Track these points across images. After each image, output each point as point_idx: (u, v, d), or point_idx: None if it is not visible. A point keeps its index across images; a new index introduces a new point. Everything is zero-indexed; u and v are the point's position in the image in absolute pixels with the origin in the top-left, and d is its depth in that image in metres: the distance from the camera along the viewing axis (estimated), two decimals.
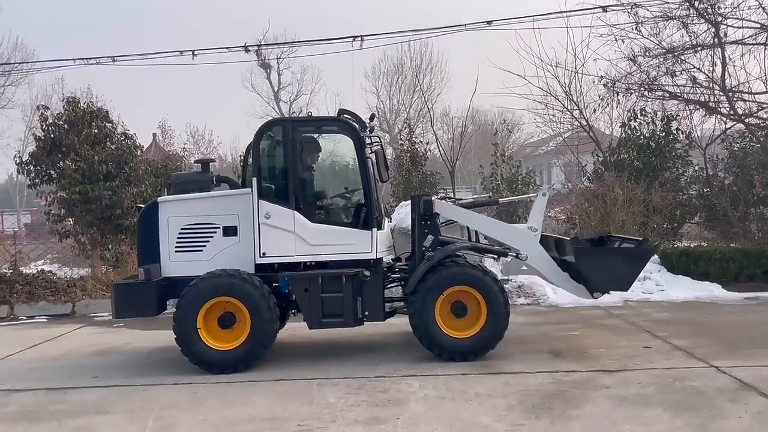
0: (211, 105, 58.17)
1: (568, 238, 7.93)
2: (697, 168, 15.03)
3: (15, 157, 13.60)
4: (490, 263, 9.99)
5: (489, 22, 15.79)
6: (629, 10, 14.17)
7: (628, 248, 7.57)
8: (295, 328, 8.26)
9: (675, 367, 6.79)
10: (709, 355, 7.17)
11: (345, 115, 7.58)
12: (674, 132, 14.80)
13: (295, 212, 7.21)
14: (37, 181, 13.11)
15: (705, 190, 14.88)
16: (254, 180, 7.26)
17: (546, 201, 7.83)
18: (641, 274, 11.56)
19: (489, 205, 8.00)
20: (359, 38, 16.30)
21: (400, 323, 7.83)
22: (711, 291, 11.08)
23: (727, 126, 14.76)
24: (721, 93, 14.04)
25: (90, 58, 17.25)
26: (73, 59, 17.43)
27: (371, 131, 7.58)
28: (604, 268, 7.33)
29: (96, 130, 13.27)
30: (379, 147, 7.64)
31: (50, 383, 6.97)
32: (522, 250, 7.61)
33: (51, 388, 6.80)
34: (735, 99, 14.11)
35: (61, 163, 12.93)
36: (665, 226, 14.27)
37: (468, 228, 8.30)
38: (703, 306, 10.37)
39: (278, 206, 7.21)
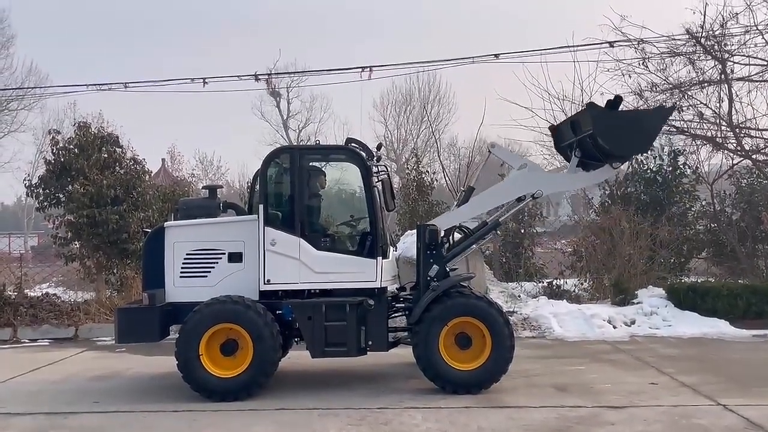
0: (221, 132, 58.74)
1: (583, 109, 7.64)
2: (704, 203, 15.00)
3: (25, 180, 13.72)
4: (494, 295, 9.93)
5: (497, 55, 15.95)
6: (636, 46, 14.32)
7: (645, 109, 7.56)
8: (298, 357, 8.20)
9: (682, 404, 6.69)
10: (716, 392, 7.07)
11: (352, 144, 7.65)
12: (681, 167, 14.82)
13: (301, 239, 7.22)
14: (45, 204, 13.20)
15: (712, 225, 14.83)
16: (261, 207, 7.28)
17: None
18: (648, 309, 11.61)
19: (492, 229, 7.87)
20: (368, 69, 16.48)
21: (404, 354, 7.76)
22: (719, 327, 10.96)
23: (735, 162, 14.77)
24: (728, 129, 14.09)
25: (102, 84, 17.49)
26: (85, 85, 17.71)
27: (378, 160, 7.64)
28: (623, 131, 7.23)
29: (105, 155, 13.41)
30: (385, 176, 7.68)
31: (51, 407, 6.93)
32: (532, 190, 7.56)
33: (51, 413, 6.75)
34: (742, 135, 14.15)
35: (70, 186, 13.03)
36: (672, 260, 14.19)
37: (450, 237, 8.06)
38: (711, 343, 10.25)
39: (284, 233, 7.22)
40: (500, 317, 7.15)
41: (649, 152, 14.91)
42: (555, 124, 8.39)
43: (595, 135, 7.26)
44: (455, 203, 8.20)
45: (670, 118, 14.32)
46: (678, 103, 14.01)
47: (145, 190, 13.61)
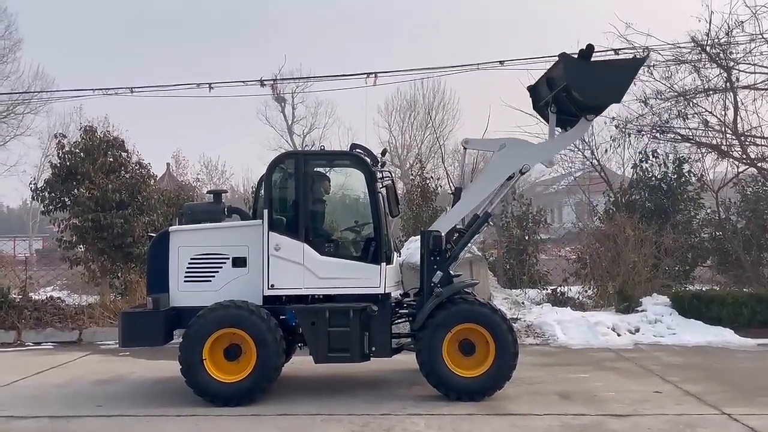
0: (226, 136, 58.89)
1: (557, 61, 7.57)
2: (709, 211, 14.96)
3: (30, 183, 13.80)
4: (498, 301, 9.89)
5: (501, 62, 15.96)
6: (641, 54, 14.30)
7: (618, 58, 7.51)
8: (301, 362, 8.19)
9: (686, 413, 6.66)
10: (721, 401, 7.03)
11: (357, 150, 7.66)
12: (686, 174, 14.79)
13: (305, 245, 7.22)
14: (51, 207, 13.25)
15: (717, 233, 14.78)
16: (265, 212, 7.30)
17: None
18: (652, 317, 11.58)
19: (485, 221, 7.77)
20: (373, 75, 16.51)
21: (407, 360, 7.75)
22: (723, 336, 10.91)
23: (740, 170, 14.73)
24: (733, 137, 14.06)
25: (108, 89, 17.54)
26: (92, 89, 17.74)
27: (383, 166, 7.64)
28: (595, 81, 7.18)
29: (111, 159, 13.47)
30: (390, 182, 7.68)
31: (54, 411, 6.94)
32: (518, 167, 7.51)
33: (54, 416, 6.77)
34: (747, 143, 14.11)
35: (76, 190, 13.08)
36: (677, 268, 14.15)
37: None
38: (715, 351, 10.20)
39: (288, 238, 7.23)
40: (504, 324, 7.14)
41: (653, 159, 14.94)
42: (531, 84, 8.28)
43: (569, 87, 7.20)
44: (449, 206, 8.14)
45: (676, 124, 14.40)
46: (683, 117, 13.94)
47: (150, 194, 13.66)
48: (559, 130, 7.76)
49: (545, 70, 8.00)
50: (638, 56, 7.40)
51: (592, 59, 7.47)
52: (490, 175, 7.75)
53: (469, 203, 7.67)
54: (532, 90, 8.22)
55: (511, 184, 7.92)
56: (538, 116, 8.41)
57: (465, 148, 8.04)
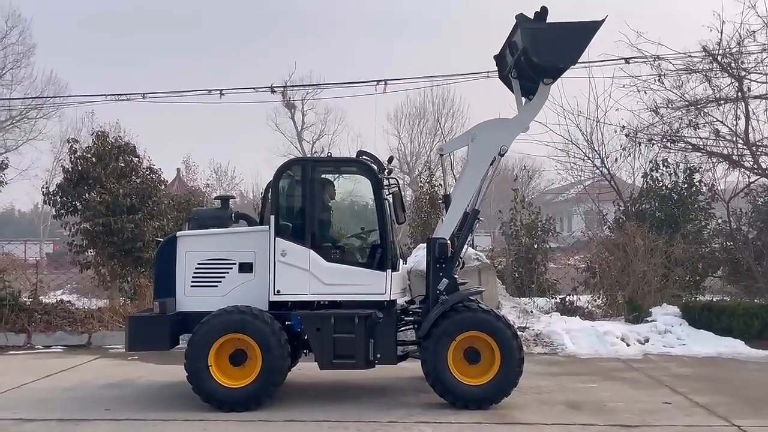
0: (236, 142, 59.16)
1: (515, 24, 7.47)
2: (720, 221, 14.85)
3: (42, 187, 13.91)
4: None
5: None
6: (652, 63, 14.28)
7: (575, 21, 7.43)
8: (308, 368, 8.19)
9: (695, 424, 6.61)
10: (731, 413, 6.96)
11: (364, 157, 7.68)
12: (697, 184, 14.69)
13: (311, 251, 7.24)
14: (62, 211, 13.35)
15: (728, 243, 14.66)
16: (272, 217, 7.33)
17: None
18: (662, 327, 11.49)
19: (475, 218, 7.72)
20: (383, 82, 16.58)
21: (414, 367, 7.73)
22: (734, 347, 10.80)
23: (751, 180, 14.63)
24: (744, 147, 13.97)
25: (120, 94, 17.75)
26: (104, 95, 17.97)
27: (389, 173, 7.65)
28: (551, 42, 7.11)
29: (122, 164, 13.56)
30: (396, 189, 7.69)
31: (62, 414, 6.98)
32: (497, 149, 7.46)
33: (63, 419, 6.81)
34: (759, 153, 14.02)
35: (87, 195, 13.18)
36: (687, 278, 14.04)
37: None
38: (726, 362, 10.11)
39: (294, 244, 7.25)
40: (508, 330, 7.11)
41: (664, 168, 14.85)
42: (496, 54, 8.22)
43: (526, 49, 7.13)
44: (442, 213, 8.12)
45: (687, 134, 14.33)
46: (694, 126, 13.85)
47: (161, 199, 13.74)
48: (525, 99, 7.67)
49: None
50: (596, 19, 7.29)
51: (548, 21, 7.37)
52: (471, 168, 7.68)
53: (461, 202, 7.65)
54: (498, 59, 8.12)
55: (494, 168, 7.81)
56: (504, 85, 8.23)
57: (441, 155, 8.06)
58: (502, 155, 7.59)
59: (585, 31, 7.40)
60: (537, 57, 7.17)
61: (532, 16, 7.36)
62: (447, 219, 7.70)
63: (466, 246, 7.85)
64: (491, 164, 7.62)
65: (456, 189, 7.83)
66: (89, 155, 13.39)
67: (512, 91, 7.83)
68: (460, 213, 7.65)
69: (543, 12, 7.31)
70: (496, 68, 8.23)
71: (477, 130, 7.71)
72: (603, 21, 7.39)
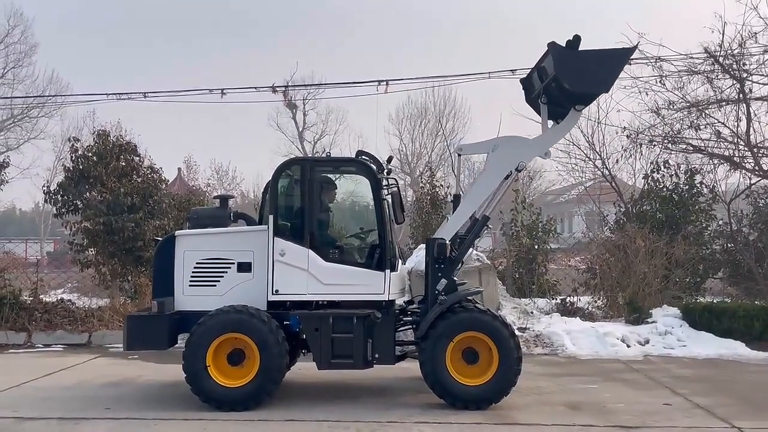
0: (237, 142, 59.19)
1: (546, 51, 7.52)
2: (721, 222, 14.84)
3: (43, 186, 13.92)
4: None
5: (513, 71, 15.95)
6: (653, 64, 14.27)
7: (607, 48, 7.50)
8: (307, 368, 8.19)
9: (695, 426, 6.60)
10: (731, 415, 6.95)
11: (363, 157, 7.67)
12: (698, 185, 14.67)
13: (310, 251, 7.23)
14: (63, 210, 13.36)
15: (729, 245, 14.65)
16: (271, 217, 7.32)
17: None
18: (662, 329, 11.48)
19: (483, 225, 7.75)
20: (384, 82, 16.58)
21: (413, 367, 7.73)
22: (734, 349, 10.78)
23: (752, 181, 14.61)
24: (746, 148, 13.96)
25: (122, 94, 17.75)
26: (105, 94, 17.98)
27: (389, 173, 7.65)
28: (583, 70, 7.17)
29: (123, 163, 13.58)
30: (396, 189, 7.68)
31: (62, 413, 6.97)
32: (515, 164, 7.50)
33: (63, 418, 6.81)
34: (760, 155, 14.01)
35: (88, 194, 13.19)
36: (688, 280, 14.03)
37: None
38: (726, 364, 10.09)
39: (293, 244, 7.25)
40: (505, 330, 7.10)
41: (665, 170, 14.85)
42: (523, 77, 8.29)
43: (558, 77, 7.17)
44: (450, 213, 8.14)
45: (688, 135, 14.31)
46: (695, 127, 13.85)
47: (162, 198, 13.75)
48: (552, 122, 7.73)
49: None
50: (627, 47, 7.38)
51: (580, 48, 7.42)
52: (486, 177, 7.72)
53: (469, 208, 7.66)
54: (525, 82, 8.20)
55: (509, 183, 7.88)
56: (532, 108, 8.31)
57: (459, 155, 8.07)
58: (519, 171, 7.65)
59: (617, 58, 7.56)
60: (570, 84, 7.22)
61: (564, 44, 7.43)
62: (452, 220, 7.71)
63: (471, 250, 7.86)
64: (506, 178, 7.65)
65: (467, 193, 7.86)
66: (90, 154, 13.41)
67: (539, 113, 7.89)
68: (466, 217, 7.67)
69: (575, 40, 7.38)
70: (522, 91, 8.29)
71: (500, 142, 7.78)
72: (635, 48, 7.57)
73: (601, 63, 7.37)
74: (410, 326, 7.87)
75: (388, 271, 7.23)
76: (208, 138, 55.57)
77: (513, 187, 15.21)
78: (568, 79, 7.17)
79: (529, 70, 8.11)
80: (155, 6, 67.03)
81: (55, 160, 36.40)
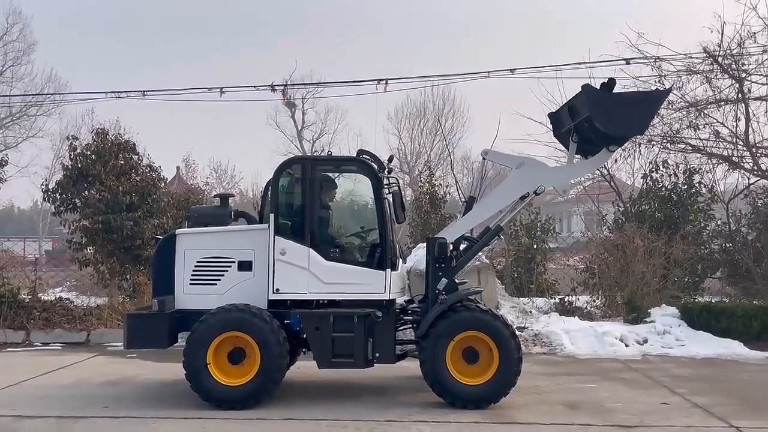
0: (236, 141, 59.13)
1: (579, 92, 7.58)
2: (719, 222, 14.86)
3: (42, 185, 13.91)
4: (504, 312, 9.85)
5: (512, 70, 15.97)
6: (652, 64, 14.28)
7: (642, 91, 7.61)
8: (307, 367, 8.19)
9: (694, 425, 6.61)
10: (729, 414, 6.97)
11: (364, 156, 7.67)
12: (696, 185, 14.70)
13: (310, 249, 7.24)
14: (61, 209, 13.33)
15: (727, 245, 14.67)
16: (271, 216, 7.32)
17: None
18: (661, 328, 11.50)
19: (496, 234, 7.82)
20: (384, 81, 16.56)
21: (413, 366, 7.74)
22: (733, 348, 10.80)
23: (751, 181, 14.64)
24: (744, 148, 13.98)
25: (121, 92, 17.71)
26: (104, 92, 17.93)
27: (389, 172, 7.65)
28: (618, 112, 7.23)
29: (122, 162, 13.54)
30: (396, 188, 7.69)
31: (61, 411, 6.97)
32: (533, 187, 7.54)
33: (62, 416, 6.81)
34: (759, 155, 14.04)
35: (86, 192, 13.17)
36: (686, 279, 14.05)
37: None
38: (724, 363, 10.11)
39: (294, 243, 7.25)
40: (506, 330, 7.11)
41: (663, 169, 14.87)
42: (552, 111, 8.42)
43: (591, 118, 7.23)
44: (459, 214, 8.17)
45: (687, 135, 14.33)
46: (694, 127, 13.92)
47: (160, 197, 13.73)
48: (579, 157, 7.79)
49: (568, 99, 8.18)
50: (661, 88, 7.53)
51: (615, 91, 7.57)
52: (504, 191, 7.81)
53: (479, 215, 7.73)
54: (553, 117, 8.37)
55: (524, 203, 8.02)
56: (559, 142, 8.51)
57: (484, 159, 8.10)
58: (537, 194, 7.71)
59: (651, 101, 7.70)
60: (604, 126, 7.28)
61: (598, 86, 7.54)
62: (460, 222, 7.76)
63: (479, 256, 7.94)
64: (522, 198, 7.72)
65: (482, 201, 7.91)
66: (89, 152, 13.38)
67: (566, 147, 7.98)
68: (475, 223, 7.76)
69: (610, 83, 7.50)
70: (550, 126, 8.47)
71: (527, 161, 7.89)
72: (670, 91, 7.71)
73: (636, 105, 7.50)
74: (410, 325, 7.88)
75: (388, 270, 7.24)
76: (206, 137, 55.53)
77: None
78: (602, 121, 7.24)
79: (559, 107, 8.26)
80: (155, 6, 66.96)
81: (54, 158, 36.38)
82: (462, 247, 7.74)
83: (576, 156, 7.77)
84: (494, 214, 7.79)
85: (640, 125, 7.61)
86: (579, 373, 9.24)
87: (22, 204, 51.88)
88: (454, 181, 19.49)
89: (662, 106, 14.13)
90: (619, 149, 7.78)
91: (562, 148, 15.78)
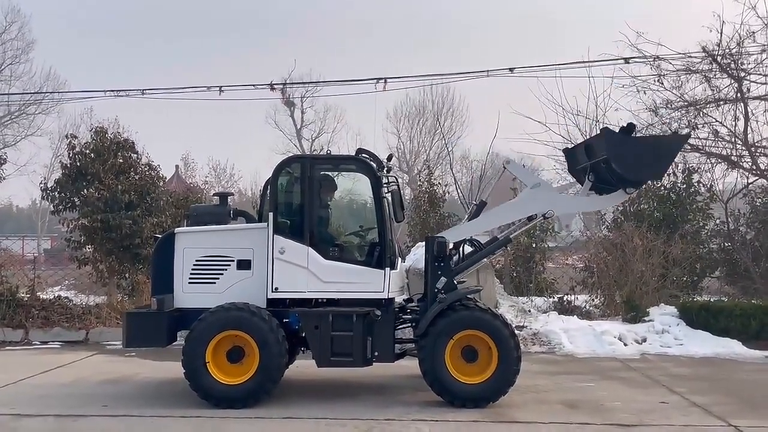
0: (235, 140, 59.08)
1: (598, 134, 7.67)
2: (718, 222, 14.88)
3: (41, 183, 13.89)
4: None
5: (511, 69, 15.97)
6: (652, 63, 14.30)
7: (661, 135, 7.72)
8: (306, 366, 8.19)
9: (692, 424, 6.62)
10: (728, 413, 6.98)
11: (363, 155, 7.67)
12: (695, 184, 14.71)
13: (309, 248, 7.24)
14: (60, 207, 13.33)
15: (726, 244, 14.69)
16: (270, 215, 7.32)
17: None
18: (659, 327, 11.51)
19: (503, 245, 7.91)
20: (383, 80, 16.55)
21: (412, 365, 7.73)
22: (731, 348, 10.82)
23: (750, 181, 14.66)
24: (743, 147, 14.00)
25: (120, 91, 17.69)
26: (103, 91, 17.90)
27: (388, 171, 7.65)
28: (637, 156, 7.31)
29: (121, 160, 13.54)
30: (395, 187, 7.69)
31: (60, 410, 6.97)
32: (543, 209, 7.58)
33: (60, 415, 6.80)
34: (758, 154, 14.06)
35: (85, 191, 13.17)
36: (685, 279, 14.06)
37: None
38: (723, 363, 10.13)
39: (293, 242, 7.25)
40: (505, 329, 7.12)
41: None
42: (569, 147, 8.64)
43: (609, 160, 7.30)
44: (466, 216, 8.20)
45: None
46: (693, 127, 13.94)
47: (159, 195, 13.72)
48: (592, 193, 7.83)
49: (586, 138, 8.31)
50: (681, 132, 7.66)
51: (634, 135, 7.68)
52: (515, 207, 7.93)
53: (485, 224, 7.85)
54: (569, 153, 8.49)
55: (531, 224, 8.13)
56: (573, 178, 8.59)
57: (504, 168, 8.18)
58: (545, 218, 7.77)
59: (670, 146, 7.78)
60: (622, 170, 7.35)
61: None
62: (465, 226, 7.83)
63: (482, 262, 8.00)
64: (530, 219, 7.80)
65: (491, 211, 7.96)
66: (88, 151, 13.38)
67: (580, 182, 8.05)
68: (478, 230, 7.86)
69: (630, 127, 7.57)
70: (565, 162, 8.66)
71: (543, 182, 8.02)
72: (688, 137, 7.74)
73: (655, 151, 7.55)
74: (409, 324, 7.88)
75: (387, 269, 7.24)
76: (205, 136, 55.48)
77: (510, 186, 15.20)
78: (620, 165, 7.30)
79: (575, 145, 8.43)
80: (155, 5, 66.85)
81: (53, 157, 36.38)
82: (468, 251, 7.78)
83: (590, 191, 7.81)
84: (498, 227, 7.89)
85: (658, 171, 7.74)
86: (578, 372, 9.25)
87: (21, 202, 51.84)
88: (453, 180, 19.49)
89: (662, 105, 14.38)
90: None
91: (560, 148, 15.79)
